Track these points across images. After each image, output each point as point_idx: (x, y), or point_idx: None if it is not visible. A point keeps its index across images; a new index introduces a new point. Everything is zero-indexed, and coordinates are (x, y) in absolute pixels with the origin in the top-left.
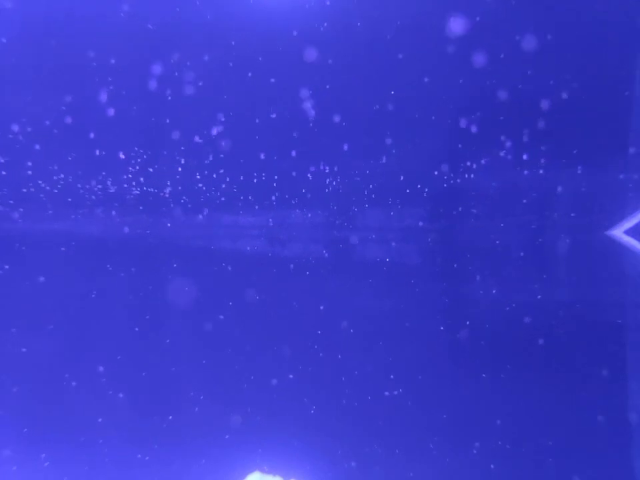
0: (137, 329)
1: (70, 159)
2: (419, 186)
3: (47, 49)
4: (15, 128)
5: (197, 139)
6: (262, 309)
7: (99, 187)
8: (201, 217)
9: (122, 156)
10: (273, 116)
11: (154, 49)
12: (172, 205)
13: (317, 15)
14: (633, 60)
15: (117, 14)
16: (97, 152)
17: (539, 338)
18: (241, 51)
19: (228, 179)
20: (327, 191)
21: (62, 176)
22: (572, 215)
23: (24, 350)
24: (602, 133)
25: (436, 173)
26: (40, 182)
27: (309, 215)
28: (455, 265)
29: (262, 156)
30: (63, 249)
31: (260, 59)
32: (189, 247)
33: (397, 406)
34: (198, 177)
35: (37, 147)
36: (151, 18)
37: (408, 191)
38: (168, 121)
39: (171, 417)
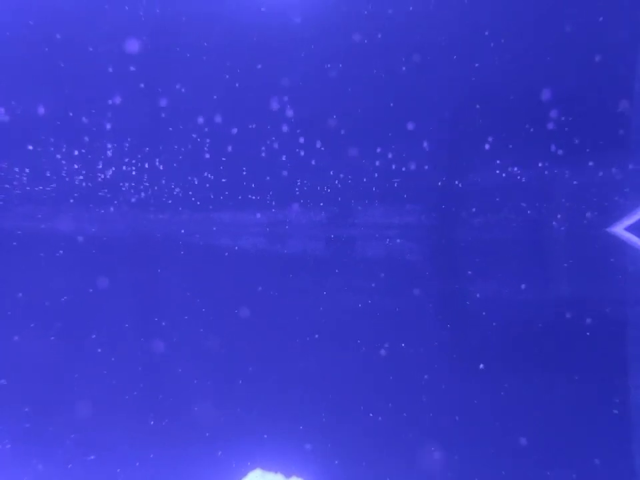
0: (137, 327)
1: (69, 157)
2: (419, 183)
3: (53, 45)
4: (14, 125)
5: (196, 137)
6: (262, 307)
7: (99, 185)
8: (201, 214)
9: (125, 159)
10: (273, 113)
11: (152, 46)
12: (172, 203)
13: (318, 13)
14: (633, 58)
15: (115, 11)
16: (97, 149)
17: (539, 334)
18: (242, 49)
19: (228, 177)
20: (327, 188)
21: (61, 174)
22: (573, 212)
23: (23, 350)
24: (602, 130)
25: (437, 170)
26: (40, 180)
27: (309, 213)
28: (455, 262)
29: (262, 154)
30: (64, 247)
31: (261, 57)
32: (190, 244)
33: (398, 404)
34: (198, 175)
35: (36, 145)
36: (145, 14)
37: (408, 188)
38: (168, 119)
39: (172, 417)
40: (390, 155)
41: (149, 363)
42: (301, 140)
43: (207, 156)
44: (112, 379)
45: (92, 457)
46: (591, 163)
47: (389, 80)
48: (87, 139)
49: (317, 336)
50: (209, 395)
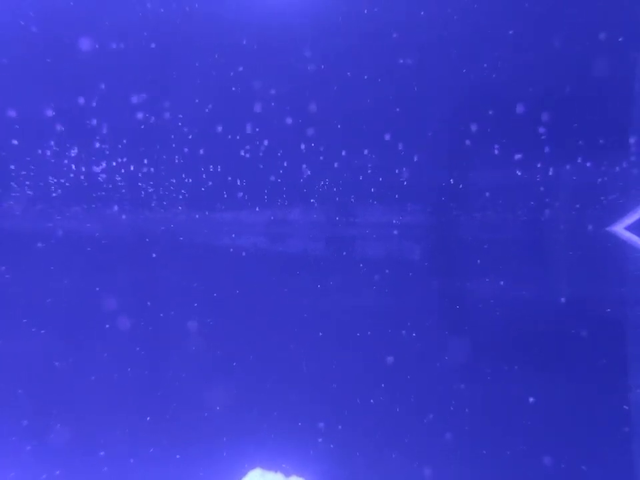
0: (136, 328)
1: (68, 157)
2: (419, 182)
3: (53, 46)
4: (14, 124)
5: (196, 136)
6: (262, 307)
7: (99, 184)
8: (201, 213)
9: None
10: (273, 113)
11: (152, 46)
12: (172, 203)
13: (317, 14)
14: (633, 55)
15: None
16: (96, 150)
17: (539, 334)
18: (242, 49)
19: (228, 177)
20: (327, 187)
21: (60, 175)
22: (572, 211)
23: (21, 349)
24: (602, 128)
25: (437, 168)
26: (39, 179)
27: (310, 212)
28: (456, 262)
29: (262, 152)
30: (64, 246)
31: (259, 55)
32: (189, 243)
33: (399, 404)
34: (198, 174)
35: (36, 143)
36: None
37: (408, 187)
38: (168, 118)
39: (171, 416)
40: (390, 154)
41: (148, 363)
42: (301, 139)
43: (207, 155)
44: (112, 377)
45: (92, 456)
46: (590, 163)
47: (389, 79)
48: (85, 139)
49: (318, 336)
50: (209, 395)
